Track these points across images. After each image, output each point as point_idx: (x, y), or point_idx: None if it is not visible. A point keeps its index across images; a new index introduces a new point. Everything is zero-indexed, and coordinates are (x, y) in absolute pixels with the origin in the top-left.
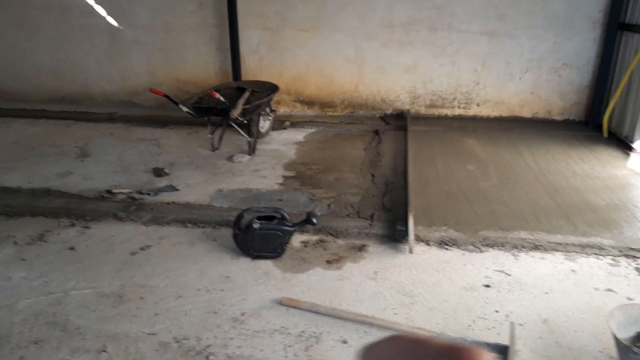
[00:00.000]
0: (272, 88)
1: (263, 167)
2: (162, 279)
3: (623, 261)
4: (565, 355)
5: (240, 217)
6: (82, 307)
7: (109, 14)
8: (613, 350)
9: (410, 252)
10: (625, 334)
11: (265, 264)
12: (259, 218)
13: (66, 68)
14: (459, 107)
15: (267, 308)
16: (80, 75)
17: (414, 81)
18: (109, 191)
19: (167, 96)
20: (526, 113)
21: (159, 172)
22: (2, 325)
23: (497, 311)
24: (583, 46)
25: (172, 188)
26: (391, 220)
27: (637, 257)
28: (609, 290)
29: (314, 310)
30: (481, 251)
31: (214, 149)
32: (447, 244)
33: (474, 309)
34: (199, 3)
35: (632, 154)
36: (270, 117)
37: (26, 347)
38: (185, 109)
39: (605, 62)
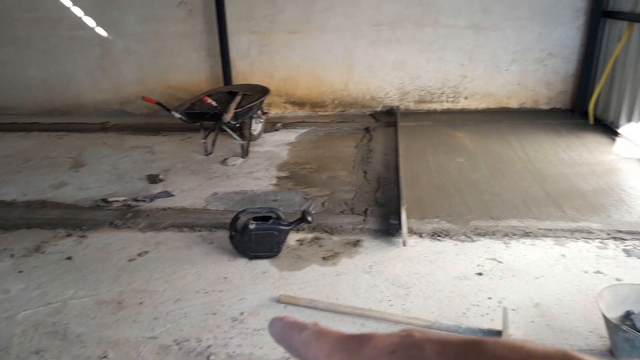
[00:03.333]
0: (263, 91)
1: (257, 169)
2: (160, 284)
3: (611, 244)
4: (557, 337)
5: (236, 218)
6: (82, 315)
7: (98, 24)
8: (603, 330)
9: (404, 244)
10: (615, 314)
11: (263, 264)
12: (255, 219)
13: (57, 80)
14: (447, 101)
15: (265, 306)
16: (72, 87)
17: (402, 78)
18: (104, 200)
19: (159, 103)
20: (513, 104)
21: (153, 179)
22: (1, 337)
23: (490, 298)
24: (567, 35)
25: (167, 194)
26: (385, 215)
27: (625, 239)
28: (598, 272)
29: (312, 306)
30: (473, 241)
31: (207, 154)
32: (439, 235)
33: (468, 297)
34: (188, 10)
35: (617, 139)
36: (262, 120)
37: (27, 357)
38: (177, 115)
39: (589, 50)
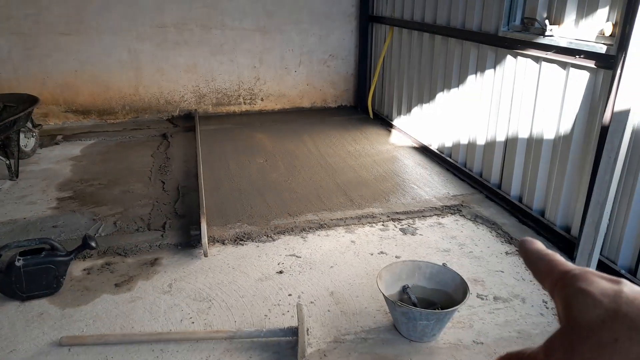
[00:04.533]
0: (31, 100)
1: (31, 191)
2: None
3: (391, 225)
4: (350, 321)
5: None
6: None
7: None
8: (387, 308)
9: (205, 255)
10: (394, 290)
11: (40, 304)
12: (23, 253)
13: None
14: (245, 103)
15: (44, 354)
16: None
17: (196, 80)
18: None
19: None
20: (306, 103)
21: None
22: None
23: (290, 295)
24: (344, 38)
25: None
26: (185, 227)
27: (401, 219)
28: (382, 252)
29: (102, 342)
30: (274, 240)
31: None
32: (242, 240)
33: (269, 298)
34: None
35: (392, 131)
36: (34, 133)
37: None
38: None
39: (362, 51)
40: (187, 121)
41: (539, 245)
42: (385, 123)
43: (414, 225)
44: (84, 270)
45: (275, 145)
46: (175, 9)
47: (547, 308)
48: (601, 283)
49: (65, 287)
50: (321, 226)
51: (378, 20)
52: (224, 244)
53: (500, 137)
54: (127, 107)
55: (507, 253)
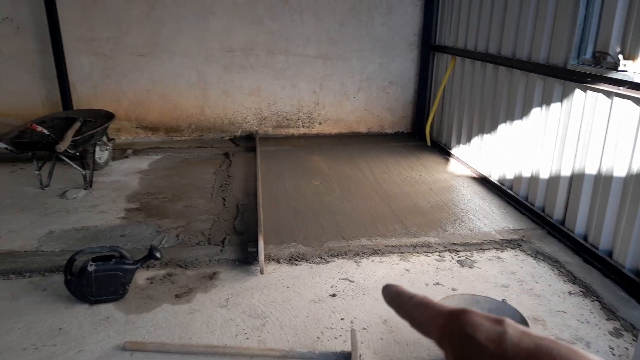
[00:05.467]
0: (108, 116)
1: (102, 201)
2: None
3: (447, 256)
4: (403, 351)
5: (71, 260)
6: None
7: None
8: None
9: (261, 272)
10: None
11: (106, 308)
12: (95, 259)
13: None
14: (303, 126)
15: (108, 357)
16: None
17: (259, 103)
18: None
19: None
20: (362, 128)
21: None
22: None
23: (342, 319)
24: (404, 66)
25: None
26: (243, 243)
27: (458, 251)
28: (437, 284)
29: (162, 349)
30: (327, 262)
31: (43, 187)
32: (296, 260)
33: (322, 320)
34: (15, 28)
35: (450, 159)
36: (108, 147)
37: None
38: (2, 145)
39: (422, 79)
40: (248, 142)
41: (402, 289)
42: (443, 151)
43: (471, 258)
44: (147, 279)
45: (331, 169)
46: (242, 34)
47: (613, 355)
48: (485, 326)
49: (130, 294)
50: (375, 252)
51: (440, 50)
52: (279, 262)
53: (566, 172)
54: (192, 126)
55: (570, 293)
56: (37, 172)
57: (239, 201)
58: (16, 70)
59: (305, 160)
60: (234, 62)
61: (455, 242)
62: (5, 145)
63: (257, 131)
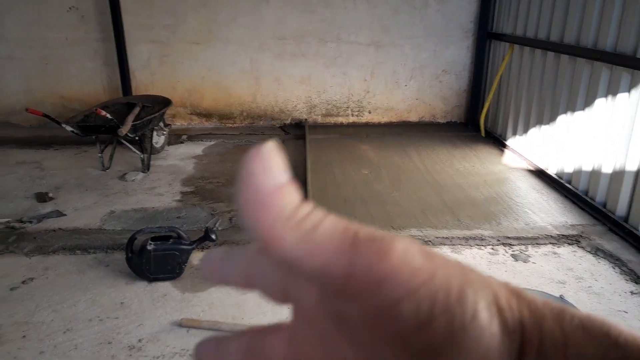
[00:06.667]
0: (165, 102)
1: (159, 184)
2: (48, 314)
3: (501, 249)
4: None
5: (132, 239)
6: None
7: None
8: None
9: None
10: None
11: (164, 286)
12: (154, 239)
13: None
14: (352, 115)
15: (166, 332)
16: None
17: (309, 91)
18: None
19: (46, 115)
20: (413, 117)
21: (42, 197)
22: None
23: None
24: (459, 53)
25: (58, 213)
26: None
27: (513, 245)
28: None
29: (216, 328)
30: None
31: (104, 169)
32: None
33: None
34: (80, 16)
35: (505, 151)
36: (165, 132)
37: None
38: (69, 128)
39: (478, 67)
40: (297, 130)
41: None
42: (498, 142)
43: (526, 252)
44: None
45: (381, 158)
46: (295, 22)
47: None
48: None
49: (186, 274)
50: (425, 243)
51: (497, 37)
52: None
53: (631, 167)
54: (244, 113)
55: (632, 293)
56: (99, 154)
57: None
58: (80, 57)
59: (354, 149)
60: (286, 50)
61: (509, 235)
62: (71, 129)
63: (306, 119)
